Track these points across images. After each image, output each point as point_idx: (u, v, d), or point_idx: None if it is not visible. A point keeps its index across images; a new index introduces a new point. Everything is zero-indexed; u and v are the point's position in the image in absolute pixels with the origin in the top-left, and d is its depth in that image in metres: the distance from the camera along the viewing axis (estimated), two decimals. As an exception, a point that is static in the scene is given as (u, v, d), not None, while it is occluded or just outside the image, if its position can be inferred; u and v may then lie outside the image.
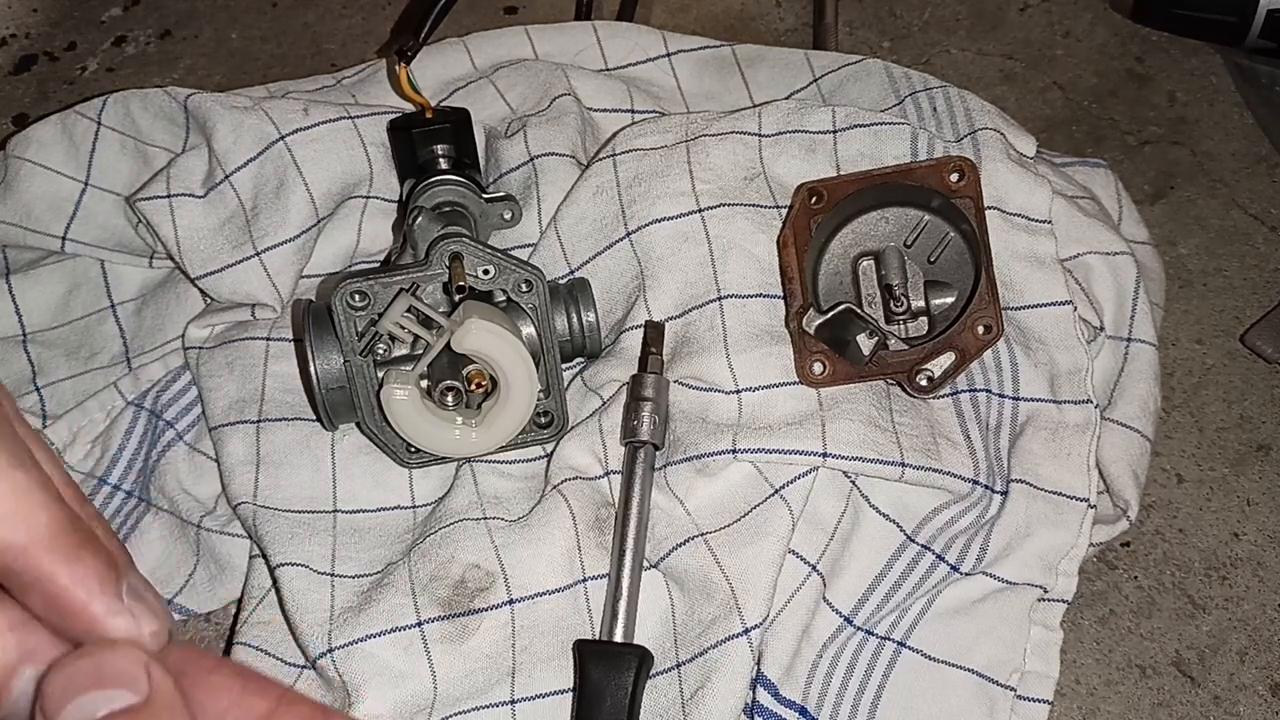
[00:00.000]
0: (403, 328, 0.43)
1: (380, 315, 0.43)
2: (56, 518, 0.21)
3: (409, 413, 0.44)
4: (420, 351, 0.44)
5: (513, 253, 0.48)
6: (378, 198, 0.54)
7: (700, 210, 0.50)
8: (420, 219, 0.47)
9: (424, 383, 0.45)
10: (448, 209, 0.48)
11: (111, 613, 0.21)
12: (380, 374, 0.44)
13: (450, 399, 0.45)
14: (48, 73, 0.69)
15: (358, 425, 0.47)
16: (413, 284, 0.44)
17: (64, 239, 0.53)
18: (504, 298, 0.46)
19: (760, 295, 0.49)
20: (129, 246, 0.54)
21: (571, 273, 0.51)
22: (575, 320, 0.48)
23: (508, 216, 0.51)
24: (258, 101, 0.53)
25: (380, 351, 0.44)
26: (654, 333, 0.48)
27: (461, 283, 0.43)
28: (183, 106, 0.53)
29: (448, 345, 0.43)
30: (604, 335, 0.50)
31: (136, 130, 0.54)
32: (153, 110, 0.54)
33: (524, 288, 0.45)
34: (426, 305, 0.44)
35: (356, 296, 0.43)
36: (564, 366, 0.50)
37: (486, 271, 0.44)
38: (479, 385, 0.44)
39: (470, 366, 0.44)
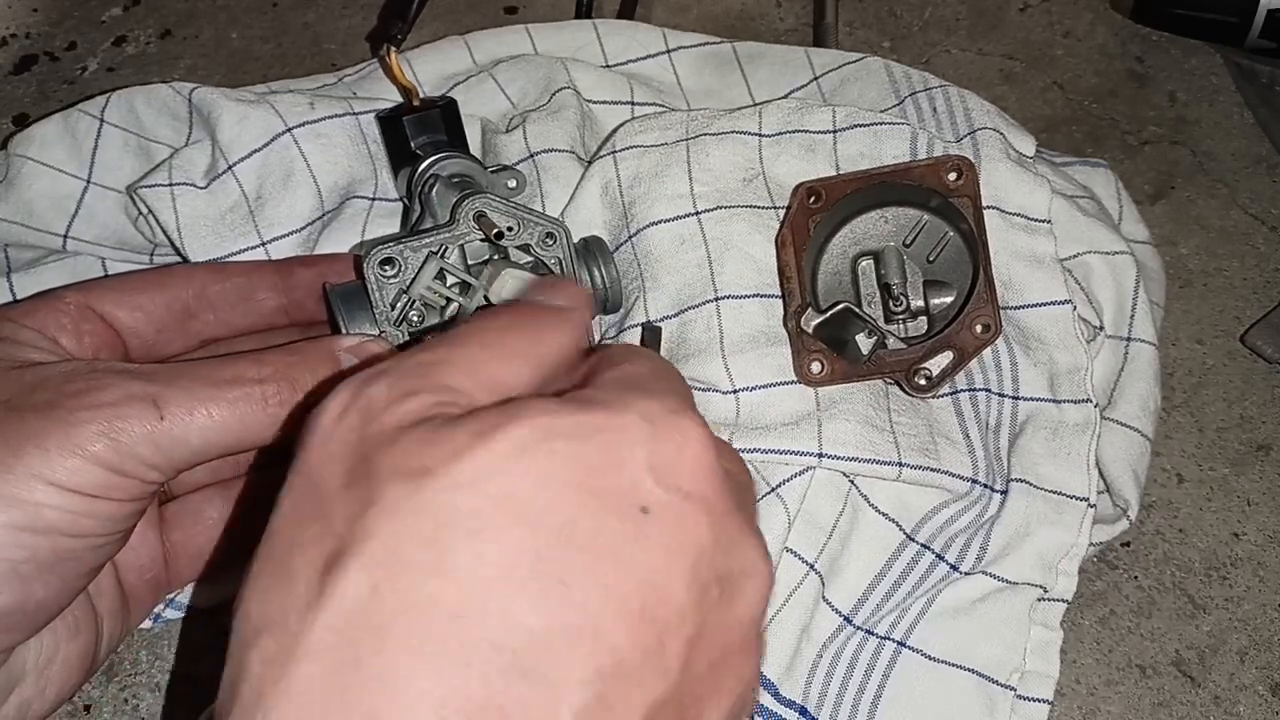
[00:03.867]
0: (435, 292, 0.43)
1: (410, 282, 0.43)
2: None
3: None
4: (451, 318, 0.44)
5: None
6: (382, 199, 0.54)
7: (697, 213, 0.50)
8: (437, 186, 0.47)
9: None
10: (457, 180, 0.48)
11: None
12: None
13: None
14: (48, 73, 0.69)
15: None
16: (441, 247, 0.44)
17: (65, 237, 0.53)
18: (529, 259, 0.46)
19: (757, 295, 0.49)
20: (130, 244, 0.54)
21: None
22: (597, 275, 0.48)
23: (512, 185, 0.51)
24: (261, 96, 0.53)
25: (413, 320, 0.44)
26: (651, 336, 0.48)
27: (496, 229, 0.43)
28: (187, 100, 0.53)
29: (480, 306, 0.43)
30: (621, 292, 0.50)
31: (140, 126, 0.54)
32: (156, 105, 0.54)
33: (548, 240, 0.45)
34: (456, 267, 0.44)
35: (387, 265, 0.43)
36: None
37: (510, 229, 0.44)
38: None
39: None
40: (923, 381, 0.47)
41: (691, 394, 0.32)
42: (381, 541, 0.23)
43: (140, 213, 0.51)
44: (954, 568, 0.47)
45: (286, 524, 0.26)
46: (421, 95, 0.52)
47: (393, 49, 0.52)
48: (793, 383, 0.48)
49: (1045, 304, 0.48)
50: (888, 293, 0.49)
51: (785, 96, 0.57)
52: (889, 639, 0.46)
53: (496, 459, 0.24)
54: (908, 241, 0.50)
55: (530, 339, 0.31)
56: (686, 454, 0.26)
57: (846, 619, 0.46)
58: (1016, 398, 0.49)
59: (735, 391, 0.47)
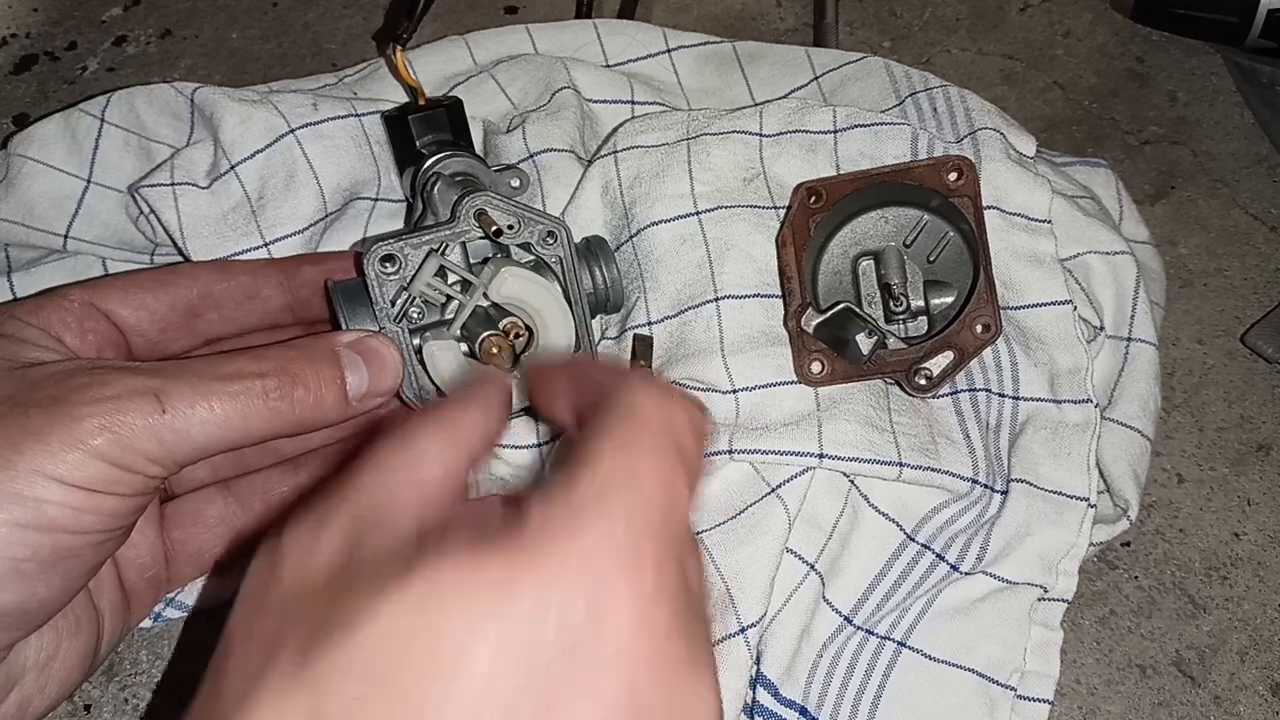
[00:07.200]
0: (435, 289, 0.43)
1: (411, 279, 0.43)
2: None
3: (453, 368, 0.44)
4: (451, 315, 0.44)
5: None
6: (385, 199, 0.54)
7: (698, 213, 0.50)
8: (439, 184, 0.47)
9: (462, 345, 0.45)
10: (459, 178, 0.48)
11: None
12: (416, 340, 0.44)
13: (491, 351, 0.44)
14: (48, 72, 0.69)
15: (398, 398, 0.46)
16: (441, 244, 0.44)
17: (66, 236, 0.53)
18: (530, 257, 0.46)
19: (757, 295, 0.49)
20: (130, 244, 0.54)
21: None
22: (598, 274, 0.48)
23: (515, 184, 0.51)
24: (264, 96, 0.53)
25: (413, 317, 0.44)
26: (642, 345, 0.48)
27: (496, 226, 0.43)
28: (189, 100, 0.53)
29: (480, 304, 0.44)
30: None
31: (140, 126, 0.54)
32: (157, 105, 0.54)
33: (549, 239, 0.45)
34: (457, 265, 0.44)
35: (387, 262, 0.43)
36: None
37: (511, 227, 0.45)
38: (517, 336, 0.45)
39: (506, 319, 0.44)
40: (923, 381, 0.47)
41: (683, 452, 0.27)
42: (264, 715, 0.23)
43: (142, 212, 0.51)
44: (954, 568, 0.47)
45: (212, 673, 0.27)
46: (426, 95, 0.52)
47: (399, 48, 0.52)
48: (793, 383, 0.48)
49: (1045, 304, 0.48)
50: (888, 293, 0.49)
51: (786, 96, 0.57)
52: (889, 639, 0.46)
53: (376, 637, 0.23)
54: (908, 241, 0.50)
55: (450, 432, 0.30)
56: (609, 617, 0.23)
57: (847, 619, 0.47)
58: (1017, 398, 0.49)
59: (735, 391, 0.47)
